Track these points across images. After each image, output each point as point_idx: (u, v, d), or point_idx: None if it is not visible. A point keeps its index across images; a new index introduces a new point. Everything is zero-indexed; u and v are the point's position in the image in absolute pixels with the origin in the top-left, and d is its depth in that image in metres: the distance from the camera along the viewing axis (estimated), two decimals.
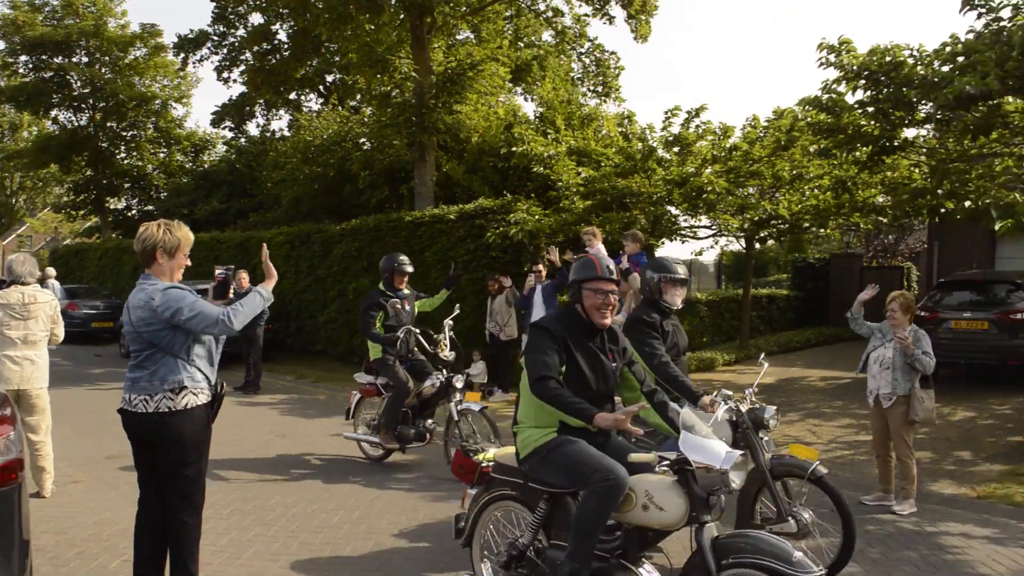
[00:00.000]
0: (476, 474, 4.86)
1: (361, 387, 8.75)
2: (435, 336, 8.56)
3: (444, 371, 8.28)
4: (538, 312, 12.00)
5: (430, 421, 8.43)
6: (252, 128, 33.64)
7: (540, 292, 11.91)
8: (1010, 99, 9.81)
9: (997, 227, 9.96)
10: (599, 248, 10.89)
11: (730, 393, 5.10)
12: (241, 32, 26.32)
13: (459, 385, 8.03)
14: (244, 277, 13.71)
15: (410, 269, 8.56)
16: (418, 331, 8.45)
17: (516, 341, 12.97)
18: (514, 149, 16.31)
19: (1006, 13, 9.61)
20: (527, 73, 23.84)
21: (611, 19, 21.97)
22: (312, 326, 17.81)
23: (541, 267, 12.25)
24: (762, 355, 6.18)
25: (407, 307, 8.59)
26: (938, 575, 5.51)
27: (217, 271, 4.70)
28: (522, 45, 24.73)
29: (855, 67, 10.21)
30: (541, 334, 4.29)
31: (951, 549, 6.01)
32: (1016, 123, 10.20)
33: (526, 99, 25.86)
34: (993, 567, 5.64)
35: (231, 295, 4.69)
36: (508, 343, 13.14)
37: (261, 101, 30.32)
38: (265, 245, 4.73)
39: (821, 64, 10.59)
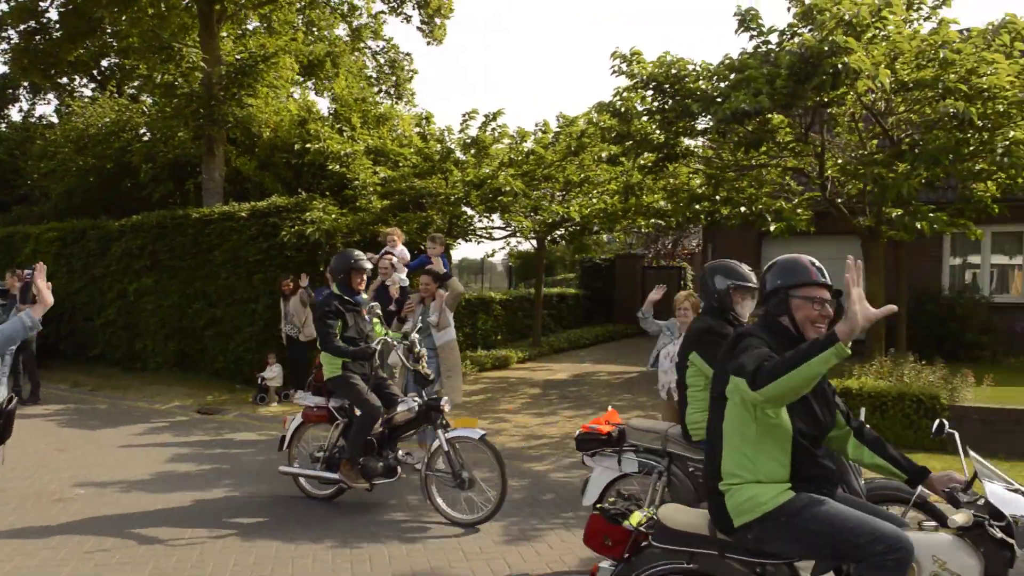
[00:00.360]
0: (629, 544, 3.72)
1: (307, 411, 7.24)
2: (417, 350, 7.29)
3: (423, 391, 7.01)
4: None
5: (402, 451, 7.07)
6: (14, 113, 30.78)
7: None
8: (777, 116, 10.78)
9: (772, 228, 10.89)
10: (402, 250, 10.89)
11: None
12: (3, 7, 24.04)
13: (447, 408, 6.80)
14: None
15: (369, 266, 7.23)
16: (396, 343, 7.27)
17: (315, 342, 12.68)
18: (308, 146, 15.99)
19: (774, 38, 10.55)
20: (319, 69, 23.37)
21: (408, 17, 22.02)
22: (88, 329, 16.61)
23: None
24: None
25: (367, 315, 7.33)
26: None
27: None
28: (312, 39, 24.20)
29: (644, 77, 10.84)
30: (752, 341, 3.39)
31: None
32: (781, 139, 11.20)
33: (319, 95, 25.37)
34: None
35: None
36: (307, 344, 12.84)
37: (26, 83, 27.84)
38: (43, 266, 4.32)
39: (614, 72, 11.17)
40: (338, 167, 15.64)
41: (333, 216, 13.76)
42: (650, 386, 13.32)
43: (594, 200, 16.41)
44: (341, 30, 25.10)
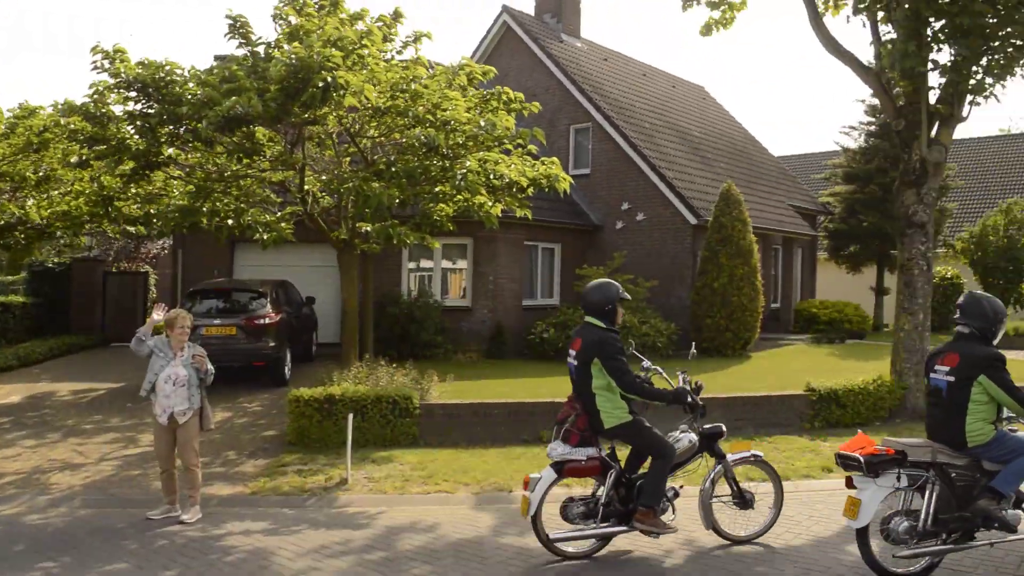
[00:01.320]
0: None
1: (572, 465, 6.22)
2: (695, 381, 6.68)
3: (696, 423, 6.58)
4: None
5: (679, 484, 6.73)
6: None
7: None
8: (263, 131, 11.00)
9: (265, 238, 11.03)
10: None
11: None
12: None
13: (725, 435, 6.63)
14: None
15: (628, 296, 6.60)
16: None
17: None
18: None
19: (261, 49, 10.73)
20: None
21: None
22: None
23: None
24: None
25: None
26: (239, 573, 5.94)
27: None
28: None
29: (129, 77, 10.24)
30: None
31: (240, 548, 6.53)
32: (269, 152, 11.44)
33: None
34: (281, 554, 6.33)
35: None
36: None
37: None
38: None
39: (95, 68, 10.35)
40: None
41: None
42: (122, 405, 12.54)
43: (56, 202, 14.88)
44: None
